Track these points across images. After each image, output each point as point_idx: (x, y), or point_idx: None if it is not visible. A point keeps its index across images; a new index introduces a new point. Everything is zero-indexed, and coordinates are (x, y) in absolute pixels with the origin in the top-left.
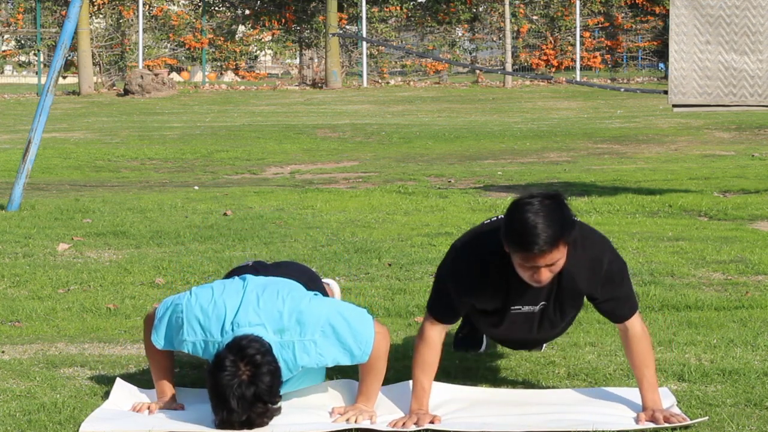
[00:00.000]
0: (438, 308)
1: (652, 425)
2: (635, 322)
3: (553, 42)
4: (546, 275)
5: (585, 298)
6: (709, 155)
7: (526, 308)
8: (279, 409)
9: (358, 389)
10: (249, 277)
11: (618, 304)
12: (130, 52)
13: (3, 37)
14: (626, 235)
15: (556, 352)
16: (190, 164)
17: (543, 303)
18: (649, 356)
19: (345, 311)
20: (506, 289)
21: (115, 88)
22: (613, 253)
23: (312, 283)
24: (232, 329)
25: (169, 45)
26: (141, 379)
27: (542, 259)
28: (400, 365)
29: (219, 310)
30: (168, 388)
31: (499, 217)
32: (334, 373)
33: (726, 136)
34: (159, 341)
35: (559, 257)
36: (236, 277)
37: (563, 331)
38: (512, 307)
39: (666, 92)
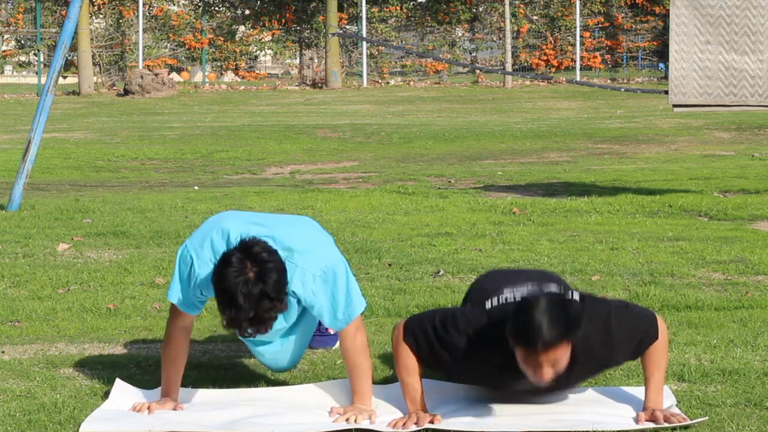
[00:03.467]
0: (418, 335)
1: (652, 425)
2: (659, 337)
3: (553, 42)
4: (548, 374)
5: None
6: (709, 155)
7: (530, 386)
8: (285, 306)
9: (351, 390)
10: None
11: (643, 344)
12: (130, 52)
13: (3, 37)
14: (626, 235)
15: None
16: (190, 164)
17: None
18: (663, 359)
19: (350, 276)
20: (509, 368)
21: (115, 88)
22: (619, 314)
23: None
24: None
25: (169, 45)
26: (141, 379)
27: (545, 357)
28: None
29: (225, 232)
30: (173, 389)
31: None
32: (334, 373)
33: (726, 136)
34: (174, 294)
35: (562, 355)
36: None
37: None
38: (516, 383)
39: (666, 92)
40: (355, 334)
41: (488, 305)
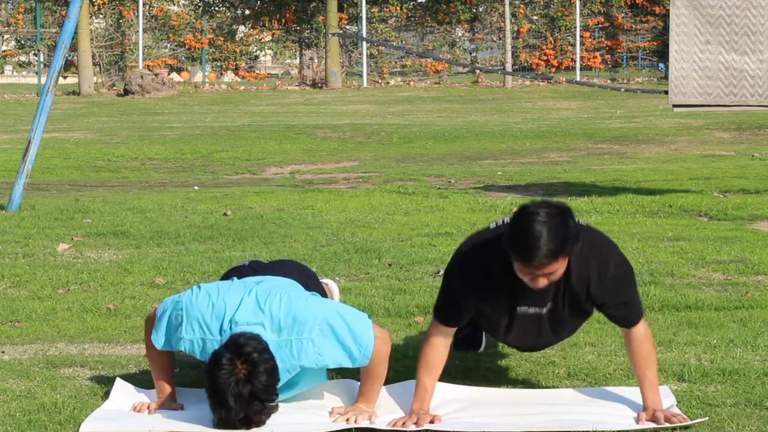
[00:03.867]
0: (443, 311)
1: (652, 425)
2: (640, 325)
3: (553, 42)
4: (543, 282)
5: (593, 307)
6: (709, 155)
7: (533, 309)
8: (276, 407)
9: (359, 390)
10: (248, 278)
11: (626, 310)
12: (130, 52)
13: (3, 37)
14: (626, 235)
15: (556, 352)
16: (190, 164)
17: (550, 304)
18: (652, 357)
19: (343, 312)
20: (511, 289)
21: (115, 88)
22: (620, 257)
23: (310, 282)
24: (230, 328)
25: (169, 45)
26: (141, 379)
27: (541, 269)
28: (400, 365)
29: (218, 308)
30: (168, 388)
31: (505, 221)
32: (334, 373)
33: (726, 136)
34: (159, 341)
35: (558, 268)
36: (235, 278)
37: (570, 334)
38: (519, 308)
39: (666, 92)
40: (381, 345)
41: (492, 225)
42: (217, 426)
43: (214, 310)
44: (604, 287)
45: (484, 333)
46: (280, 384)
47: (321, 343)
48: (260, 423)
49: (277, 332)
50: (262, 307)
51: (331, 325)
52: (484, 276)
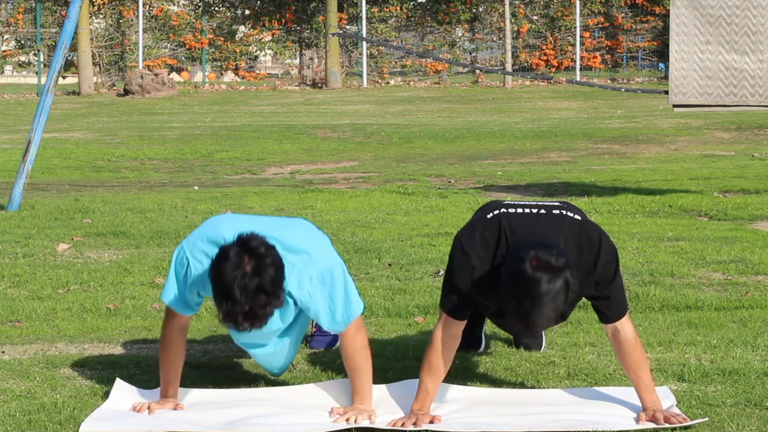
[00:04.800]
0: (448, 301)
1: (652, 425)
2: (627, 327)
3: (553, 42)
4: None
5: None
6: (709, 155)
7: None
8: (281, 302)
9: (352, 390)
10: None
11: (608, 303)
12: (130, 52)
13: (3, 37)
14: (626, 235)
15: (556, 352)
16: (190, 164)
17: None
18: (644, 359)
19: (348, 277)
20: None
21: (115, 88)
22: (607, 255)
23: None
24: None
25: (169, 45)
26: (141, 379)
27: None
28: (400, 365)
29: (221, 231)
30: (172, 388)
31: (499, 215)
32: (334, 373)
33: (726, 136)
34: (168, 295)
35: None
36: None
37: (564, 319)
38: None
39: (666, 92)
40: (354, 334)
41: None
42: (222, 320)
43: (217, 233)
44: (591, 284)
45: (483, 333)
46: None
47: (316, 286)
48: (265, 317)
49: (285, 251)
50: (279, 230)
51: (333, 277)
52: (486, 247)
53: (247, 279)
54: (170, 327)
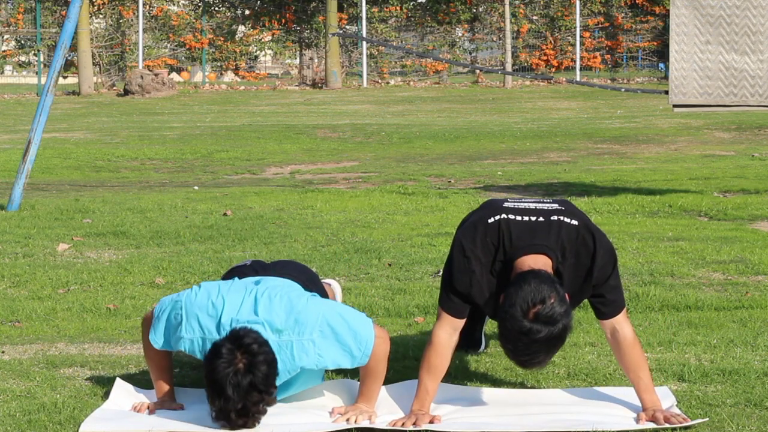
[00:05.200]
0: (447, 300)
1: (652, 425)
2: (625, 327)
3: (553, 42)
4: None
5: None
6: (709, 155)
7: None
8: (274, 400)
9: (359, 390)
10: (249, 278)
11: (604, 300)
12: (130, 52)
13: (3, 37)
14: (626, 235)
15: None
16: (190, 164)
17: None
18: (643, 360)
19: (344, 312)
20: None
21: (115, 88)
22: (603, 258)
23: (311, 283)
24: (231, 327)
25: (169, 45)
26: (141, 379)
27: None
28: (400, 365)
29: (218, 308)
30: (167, 388)
31: (500, 220)
32: (334, 373)
33: (726, 136)
34: (157, 340)
35: None
36: (236, 278)
37: None
38: None
39: (666, 92)
40: (380, 344)
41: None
42: (215, 418)
43: (214, 310)
44: (589, 287)
45: (483, 333)
46: (278, 381)
47: (321, 344)
48: (258, 415)
49: (277, 333)
50: (263, 308)
51: (331, 326)
52: (486, 252)
53: (240, 376)
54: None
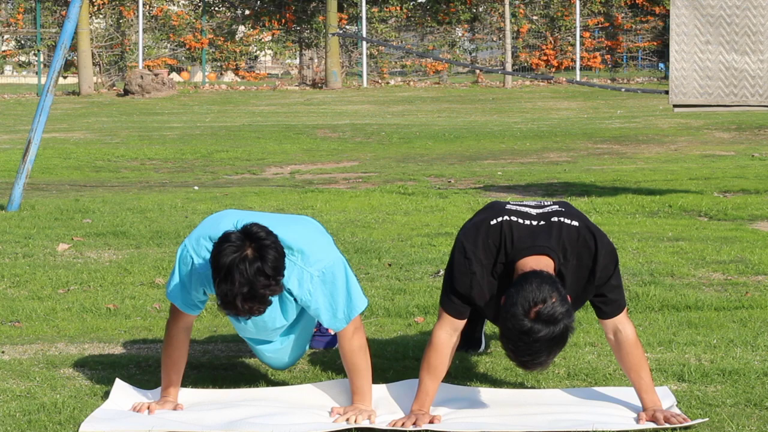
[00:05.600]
0: (448, 300)
1: (652, 425)
2: (627, 327)
3: (553, 42)
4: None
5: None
6: (709, 155)
7: None
8: (281, 288)
9: (351, 390)
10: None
11: (605, 300)
12: (130, 52)
13: (3, 37)
14: (626, 235)
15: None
16: (190, 164)
17: None
18: (644, 360)
19: (349, 275)
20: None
21: (115, 88)
22: (605, 258)
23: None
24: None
25: (169, 45)
26: (141, 379)
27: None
28: (400, 365)
29: (224, 225)
30: (173, 388)
31: (502, 222)
32: (334, 373)
33: (726, 136)
34: (174, 293)
35: None
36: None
37: None
38: None
39: (666, 92)
40: (353, 334)
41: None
42: (221, 306)
43: (222, 227)
44: (591, 289)
45: (484, 333)
46: (271, 309)
47: (317, 284)
48: (265, 301)
49: (286, 249)
50: (279, 223)
51: (334, 274)
52: (488, 254)
53: (248, 262)
54: (175, 327)
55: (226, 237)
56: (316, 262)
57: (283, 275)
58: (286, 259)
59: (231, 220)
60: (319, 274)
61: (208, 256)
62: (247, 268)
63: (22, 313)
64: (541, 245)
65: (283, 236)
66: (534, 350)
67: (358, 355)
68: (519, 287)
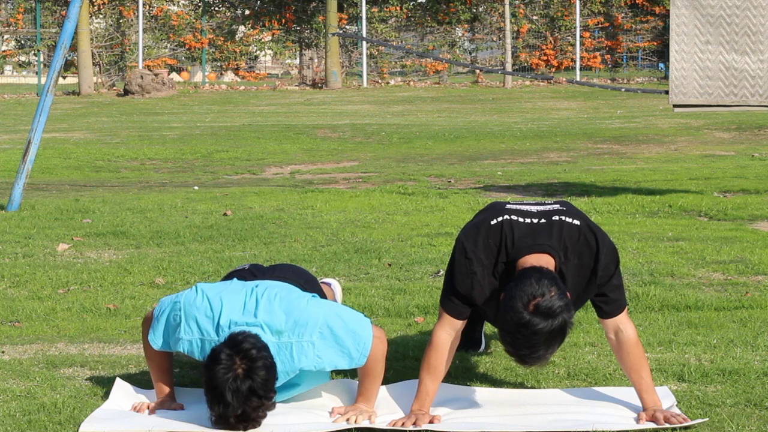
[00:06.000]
0: (449, 301)
1: (652, 425)
2: (629, 327)
3: (553, 42)
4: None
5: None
6: (709, 155)
7: None
8: (274, 405)
9: (358, 390)
10: (249, 282)
11: (606, 299)
12: (130, 52)
13: (3, 37)
14: (626, 235)
15: (556, 352)
16: (190, 164)
17: None
18: (645, 360)
19: (343, 313)
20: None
21: (115, 88)
22: (606, 257)
23: (309, 285)
24: (229, 329)
25: (169, 45)
26: (141, 379)
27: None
28: (400, 365)
29: (217, 309)
30: (167, 389)
31: (502, 222)
32: (334, 373)
33: (726, 136)
34: (156, 341)
35: None
36: (236, 279)
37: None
38: None
39: (666, 92)
40: (378, 345)
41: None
42: (215, 423)
43: (212, 311)
44: (593, 288)
45: (483, 333)
46: (278, 384)
47: (320, 346)
48: (258, 420)
49: (277, 335)
50: (263, 309)
51: (330, 327)
52: (488, 254)
53: (239, 381)
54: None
55: (216, 356)
56: (307, 328)
57: (275, 392)
58: (283, 345)
59: (225, 302)
60: (318, 336)
61: (195, 329)
62: (239, 389)
63: (22, 313)
64: (542, 243)
65: (269, 322)
66: (532, 343)
67: (378, 363)
68: (518, 282)
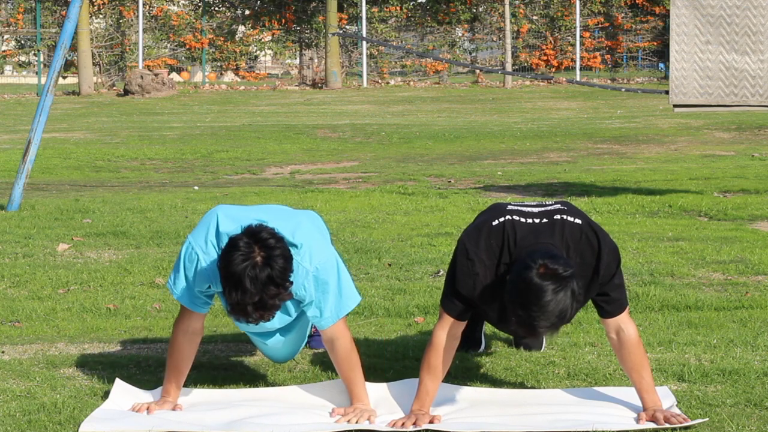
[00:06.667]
0: (449, 302)
1: (652, 425)
2: (630, 327)
3: (553, 42)
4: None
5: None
6: (709, 155)
7: None
8: (290, 294)
9: (348, 391)
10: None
11: (607, 299)
12: (130, 52)
13: (3, 37)
14: (626, 235)
15: (556, 352)
16: (190, 164)
17: None
18: (645, 360)
19: (343, 274)
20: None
21: (115, 88)
22: (608, 256)
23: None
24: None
25: (169, 45)
26: (141, 379)
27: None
28: (400, 365)
29: (233, 225)
30: (174, 390)
31: (504, 222)
32: (334, 373)
33: (726, 136)
34: (178, 287)
35: None
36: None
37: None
38: None
39: (667, 92)
40: (344, 334)
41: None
42: (230, 311)
43: (225, 228)
44: (594, 288)
45: (483, 333)
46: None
47: (311, 280)
48: (273, 308)
49: (291, 246)
50: (281, 222)
51: (328, 273)
52: (491, 254)
53: (258, 269)
54: (179, 330)
55: (233, 244)
56: (312, 257)
57: (291, 281)
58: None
59: (235, 216)
60: (314, 270)
61: (213, 252)
62: (257, 276)
63: (22, 313)
64: (544, 242)
65: (284, 231)
66: (542, 308)
67: (355, 354)
68: (529, 251)
